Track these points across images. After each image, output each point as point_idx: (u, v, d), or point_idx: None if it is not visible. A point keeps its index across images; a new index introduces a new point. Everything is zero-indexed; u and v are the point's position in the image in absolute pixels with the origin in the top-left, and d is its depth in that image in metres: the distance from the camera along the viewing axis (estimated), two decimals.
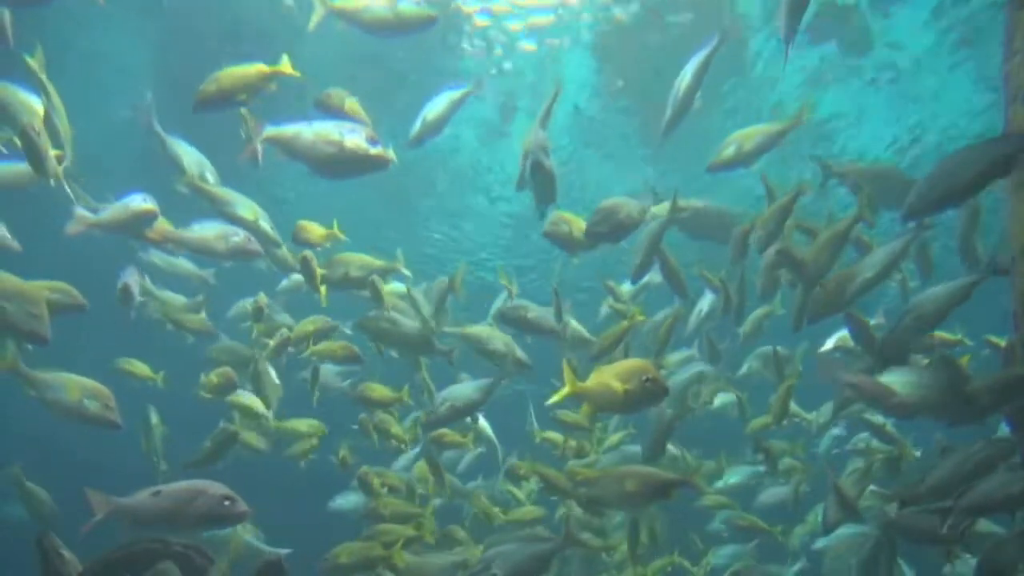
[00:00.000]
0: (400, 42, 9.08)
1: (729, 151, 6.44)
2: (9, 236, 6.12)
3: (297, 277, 8.02)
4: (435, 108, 6.94)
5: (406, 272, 7.59)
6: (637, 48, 9.98)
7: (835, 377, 5.39)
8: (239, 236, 6.48)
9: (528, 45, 10.15)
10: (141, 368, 8.13)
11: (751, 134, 6.44)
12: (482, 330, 7.28)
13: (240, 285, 8.73)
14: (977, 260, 6.64)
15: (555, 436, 8.44)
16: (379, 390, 7.69)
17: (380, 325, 7.07)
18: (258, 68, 5.38)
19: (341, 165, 5.12)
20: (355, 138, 5.01)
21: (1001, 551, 5.01)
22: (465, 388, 6.81)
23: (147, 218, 6.19)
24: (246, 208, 6.64)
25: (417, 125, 6.93)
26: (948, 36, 9.46)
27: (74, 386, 5.52)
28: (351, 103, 5.82)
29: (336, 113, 5.74)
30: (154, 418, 8.50)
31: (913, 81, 10.28)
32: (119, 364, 8.12)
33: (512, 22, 9.91)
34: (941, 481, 5.11)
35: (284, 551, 9.35)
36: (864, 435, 9.37)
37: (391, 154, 5.35)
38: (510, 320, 7.12)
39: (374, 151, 5.06)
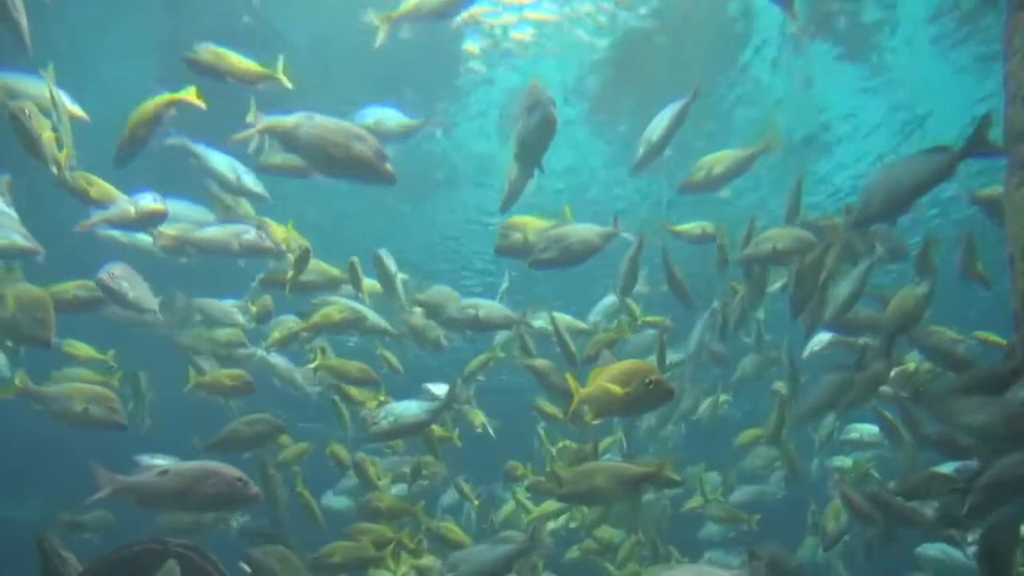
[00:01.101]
0: (402, 42, 9.09)
1: (700, 175, 6.75)
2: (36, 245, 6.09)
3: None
4: (389, 120, 6.97)
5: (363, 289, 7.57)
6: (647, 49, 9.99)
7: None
8: (250, 234, 6.52)
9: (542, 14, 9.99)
10: (85, 350, 7.86)
11: (721, 159, 6.71)
12: (546, 364, 7.21)
13: (205, 282, 8.66)
14: (983, 279, 6.77)
15: (570, 444, 8.47)
16: (353, 389, 7.70)
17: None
18: (158, 101, 5.35)
19: (341, 168, 4.88)
20: (361, 146, 4.74)
21: (1000, 531, 4.99)
22: (412, 406, 6.71)
23: (157, 218, 6.24)
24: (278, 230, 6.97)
25: (368, 120, 6.90)
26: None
27: (78, 395, 5.65)
28: (236, 59, 5.68)
29: (212, 73, 5.67)
30: (143, 383, 8.36)
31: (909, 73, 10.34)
32: (63, 347, 7.80)
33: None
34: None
35: (244, 518, 9.31)
36: (856, 425, 9.49)
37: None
38: (462, 323, 7.05)
39: (384, 166, 4.78)
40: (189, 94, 5.31)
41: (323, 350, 7.56)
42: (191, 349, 8.07)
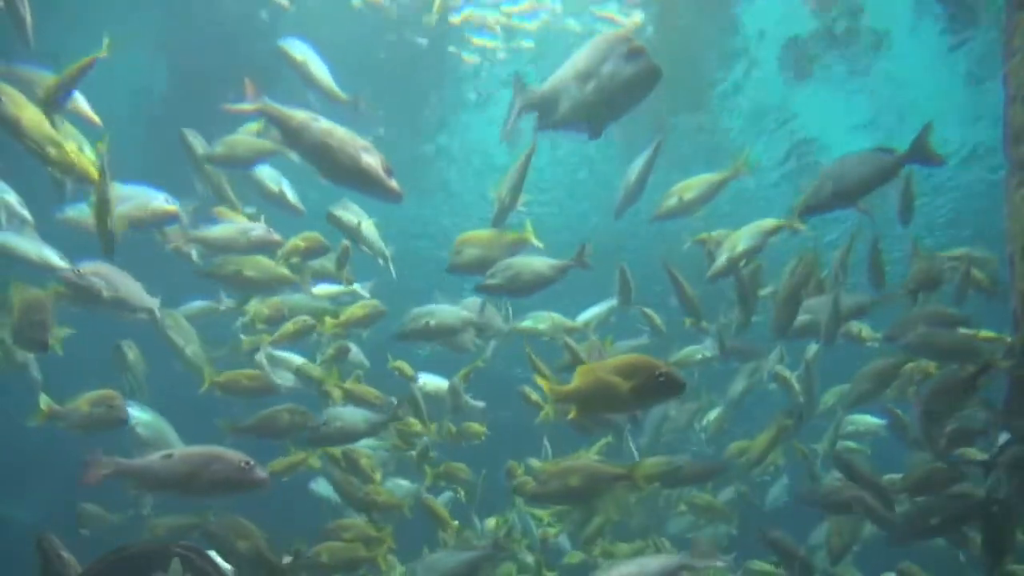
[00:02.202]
0: (398, 45, 9.10)
1: (671, 202, 6.63)
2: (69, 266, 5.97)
3: None
4: (319, 73, 7.08)
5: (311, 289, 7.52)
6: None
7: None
8: (258, 230, 6.47)
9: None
10: None
11: (692, 185, 6.63)
12: None
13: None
14: (986, 288, 6.85)
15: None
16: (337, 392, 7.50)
17: (228, 269, 6.76)
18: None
19: (346, 178, 4.57)
20: (369, 159, 4.45)
21: (1000, 514, 5.04)
22: (358, 415, 6.64)
23: (167, 219, 6.26)
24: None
25: (296, 54, 7.06)
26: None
27: (82, 403, 5.75)
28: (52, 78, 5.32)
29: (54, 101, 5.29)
30: (131, 354, 7.85)
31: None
32: None
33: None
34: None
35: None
36: (853, 417, 9.50)
37: None
38: (415, 334, 6.79)
39: (390, 181, 4.50)
40: (102, 144, 5.01)
41: (343, 350, 7.44)
42: (165, 328, 7.85)
